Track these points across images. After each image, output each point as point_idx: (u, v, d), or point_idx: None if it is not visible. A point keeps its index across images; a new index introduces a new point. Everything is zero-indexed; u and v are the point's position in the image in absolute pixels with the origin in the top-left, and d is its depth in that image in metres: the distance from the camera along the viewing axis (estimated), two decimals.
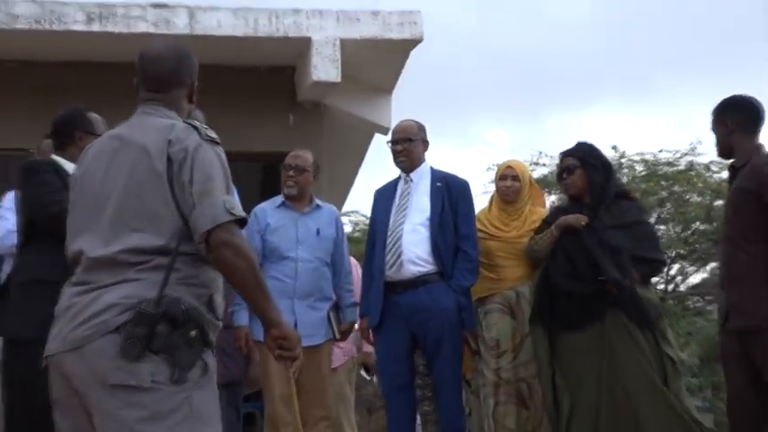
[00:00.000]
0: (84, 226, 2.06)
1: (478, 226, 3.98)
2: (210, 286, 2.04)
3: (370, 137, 6.67)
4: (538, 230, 3.90)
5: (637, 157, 14.12)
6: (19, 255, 3.05)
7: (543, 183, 14.58)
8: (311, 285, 3.80)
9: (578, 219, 3.73)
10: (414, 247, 3.70)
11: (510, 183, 4.11)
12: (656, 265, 3.82)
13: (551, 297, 3.67)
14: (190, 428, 1.89)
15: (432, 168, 3.89)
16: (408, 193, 3.80)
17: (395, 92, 6.06)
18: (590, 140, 3.98)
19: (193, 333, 1.93)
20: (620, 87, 30.47)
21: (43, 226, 2.86)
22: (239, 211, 2.00)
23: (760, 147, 3.21)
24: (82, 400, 1.92)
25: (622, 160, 14.21)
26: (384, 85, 5.97)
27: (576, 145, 3.96)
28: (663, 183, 13.77)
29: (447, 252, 3.70)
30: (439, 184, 3.83)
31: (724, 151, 3.26)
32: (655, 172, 13.92)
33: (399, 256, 3.71)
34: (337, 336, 3.88)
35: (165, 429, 1.87)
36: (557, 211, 4.02)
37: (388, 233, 3.75)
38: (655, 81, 27.63)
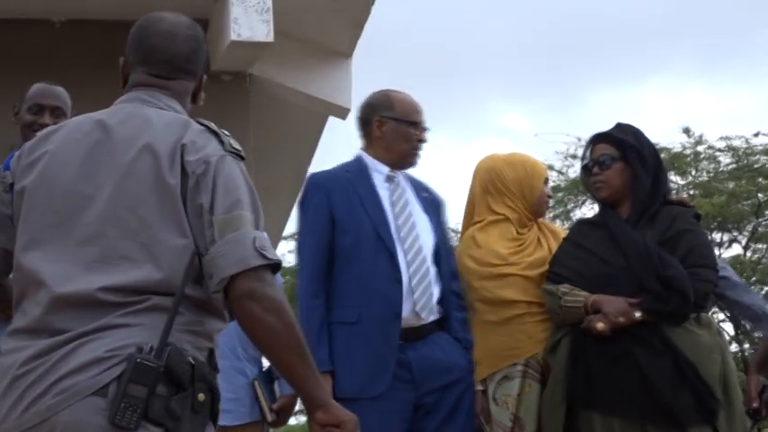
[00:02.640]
0: (43, 235, 2.13)
1: (490, 260, 4.04)
2: (213, 339, 2.17)
3: (322, 122, 6.85)
4: (550, 274, 3.94)
5: (721, 144, 14.40)
6: None
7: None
8: (231, 334, 3.95)
9: (625, 313, 3.74)
10: (437, 282, 3.85)
11: (548, 191, 4.26)
12: (706, 290, 3.86)
13: (588, 371, 3.76)
14: None
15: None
16: (403, 200, 3.90)
17: (356, 58, 6.24)
18: (637, 125, 4.04)
19: (202, 397, 2.04)
20: (691, 49, 31.08)
21: None
22: (273, 253, 2.11)
23: None
24: None
25: (700, 148, 14.51)
26: (339, 47, 6.15)
27: (616, 127, 4.03)
28: (760, 180, 14.06)
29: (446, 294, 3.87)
30: (425, 195, 3.99)
31: None
32: (748, 165, 14.21)
33: (431, 294, 3.81)
34: (268, 417, 4.00)
35: None
36: (580, 230, 4.10)
37: (406, 255, 3.80)
38: (743, 38, 28.19)
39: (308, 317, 3.64)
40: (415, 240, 3.82)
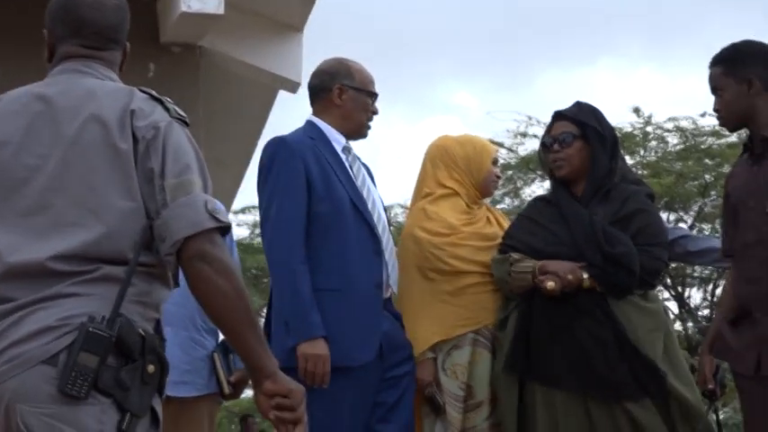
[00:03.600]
0: None
1: (440, 229, 4.11)
2: (159, 309, 2.18)
3: (272, 96, 6.86)
4: (502, 246, 4.03)
5: (669, 125, 14.58)
6: None
7: (534, 162, 14.96)
8: (190, 306, 3.87)
9: (573, 270, 3.84)
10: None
11: (498, 171, 4.37)
12: (656, 268, 3.97)
13: (531, 343, 3.84)
14: None
15: None
16: (362, 172, 3.89)
17: (307, 33, 6.24)
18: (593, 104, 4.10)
19: (152, 368, 2.06)
20: (640, 31, 31.45)
21: None
22: (225, 216, 2.15)
23: None
24: None
25: (648, 128, 14.68)
26: (290, 21, 6.16)
27: (576, 106, 4.09)
28: (707, 161, 14.25)
29: None
30: (366, 166, 4.01)
31: (737, 120, 3.52)
32: (696, 146, 14.40)
33: (395, 267, 3.84)
34: (225, 390, 4.00)
35: None
36: (535, 206, 4.21)
37: (376, 224, 3.79)
38: (693, 20, 28.50)
39: (300, 281, 3.56)
40: (379, 213, 3.84)
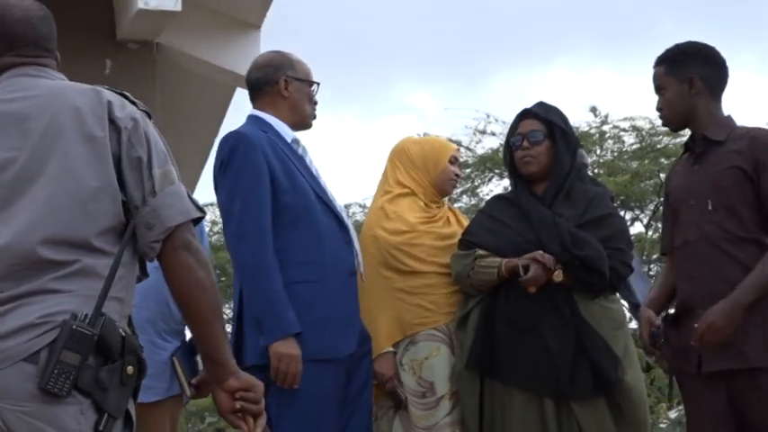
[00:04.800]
0: None
1: (399, 226, 4.15)
2: (131, 305, 2.19)
3: (229, 94, 6.85)
4: (463, 242, 4.07)
5: (626, 124, 14.71)
6: None
7: (492, 160, 15.05)
8: (152, 308, 3.88)
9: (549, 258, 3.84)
10: None
11: (458, 170, 4.39)
12: (625, 273, 4.05)
13: (494, 341, 3.88)
14: None
15: None
16: (314, 164, 3.86)
17: (265, 31, 6.24)
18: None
19: (131, 369, 2.06)
20: (595, 33, 31.78)
21: None
22: (202, 207, 2.21)
23: (731, 117, 3.57)
24: None
25: (605, 128, 14.79)
26: (248, 18, 6.16)
27: (541, 105, 4.14)
28: (663, 161, 14.40)
29: None
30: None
31: (679, 119, 3.59)
32: (651, 145, 14.54)
33: (360, 252, 3.84)
34: (187, 392, 3.97)
35: None
36: (496, 204, 4.24)
37: (341, 213, 3.78)
38: (648, 22, 28.81)
39: (271, 278, 3.51)
40: (340, 205, 3.84)
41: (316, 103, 3.91)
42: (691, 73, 3.52)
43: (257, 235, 3.54)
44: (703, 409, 3.46)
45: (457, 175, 4.38)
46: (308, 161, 3.80)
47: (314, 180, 3.74)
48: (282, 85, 3.82)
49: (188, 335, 4.01)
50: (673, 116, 3.59)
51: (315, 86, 3.89)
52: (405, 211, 4.20)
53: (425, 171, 4.26)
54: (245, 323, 3.59)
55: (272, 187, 3.60)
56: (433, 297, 4.10)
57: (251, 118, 3.84)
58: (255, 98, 3.89)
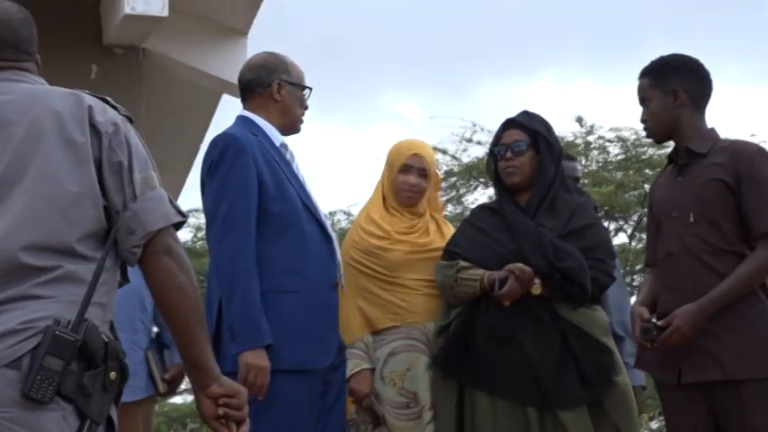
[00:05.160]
0: None
1: (373, 230, 4.15)
2: (113, 311, 2.17)
3: (216, 100, 6.85)
4: (447, 252, 4.05)
5: (611, 135, 14.75)
6: None
7: (478, 169, 15.07)
8: (129, 306, 3.90)
9: (524, 276, 3.83)
10: None
11: (416, 180, 4.16)
12: (607, 283, 4.04)
13: (476, 351, 3.86)
14: None
15: None
16: (300, 171, 3.82)
17: (252, 37, 6.25)
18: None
19: (113, 375, 2.05)
20: (579, 47, 31.96)
21: None
22: (183, 212, 2.20)
23: (714, 129, 3.58)
24: None
25: (590, 138, 14.83)
26: (235, 25, 6.16)
27: (525, 115, 4.11)
28: (648, 172, 14.45)
29: None
30: None
31: (663, 131, 3.61)
32: (636, 156, 14.58)
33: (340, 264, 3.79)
34: (161, 389, 4.03)
35: None
36: (480, 214, 4.22)
37: (326, 223, 3.74)
38: (630, 36, 28.95)
39: (249, 287, 3.45)
40: (324, 214, 3.80)
41: (306, 108, 3.87)
42: (675, 85, 3.54)
43: (240, 240, 3.48)
44: (683, 421, 3.47)
45: (411, 185, 4.17)
46: (294, 167, 3.76)
47: (301, 187, 3.70)
48: (275, 89, 3.76)
49: (155, 329, 3.99)
50: (657, 128, 3.61)
51: (307, 91, 3.86)
52: (384, 216, 4.20)
53: (387, 177, 4.23)
54: (223, 327, 3.55)
55: (259, 193, 3.54)
56: (403, 297, 4.09)
57: (241, 119, 3.79)
58: (247, 99, 3.83)
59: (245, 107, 3.83)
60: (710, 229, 3.42)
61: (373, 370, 4.06)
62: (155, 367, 3.94)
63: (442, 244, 4.15)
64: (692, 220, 3.44)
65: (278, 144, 3.74)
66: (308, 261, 3.59)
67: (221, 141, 3.61)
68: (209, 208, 3.60)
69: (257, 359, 3.39)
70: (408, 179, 4.17)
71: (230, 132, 3.66)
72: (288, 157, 3.75)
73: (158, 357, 3.96)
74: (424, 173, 4.19)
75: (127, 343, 4.01)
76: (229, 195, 3.52)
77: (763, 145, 3.63)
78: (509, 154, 4.03)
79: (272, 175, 3.60)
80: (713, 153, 3.49)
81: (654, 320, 3.50)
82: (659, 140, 3.72)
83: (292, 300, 3.53)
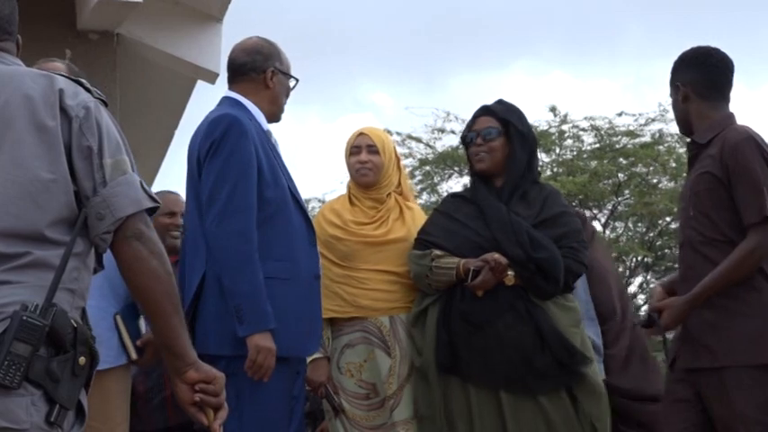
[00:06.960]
0: None
1: (332, 218, 4.18)
2: (85, 297, 2.16)
3: (190, 86, 6.84)
4: (420, 242, 4.06)
5: (585, 124, 14.81)
6: None
7: (452, 158, 15.11)
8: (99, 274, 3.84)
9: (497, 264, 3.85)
10: None
11: (366, 156, 4.19)
12: (579, 271, 4.07)
13: (452, 338, 3.89)
14: None
15: None
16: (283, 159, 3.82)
17: (227, 24, 6.24)
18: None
19: (83, 360, 2.04)
20: (553, 38, 32.06)
21: None
22: (155, 197, 2.17)
23: (730, 117, 3.57)
24: None
25: (564, 127, 14.88)
26: (210, 11, 6.15)
27: (499, 103, 4.15)
28: (621, 161, 14.51)
29: None
30: None
31: (681, 125, 3.67)
32: (610, 145, 14.63)
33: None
34: (132, 354, 3.86)
35: None
36: (452, 202, 4.22)
37: (306, 212, 3.74)
38: (603, 26, 29.09)
39: (256, 270, 3.45)
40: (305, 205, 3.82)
41: (288, 98, 3.87)
42: (676, 81, 3.61)
43: (245, 223, 3.46)
44: (676, 393, 3.54)
45: (361, 162, 4.21)
46: (280, 154, 3.77)
47: (289, 176, 3.71)
48: (269, 75, 3.75)
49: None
50: (678, 123, 3.71)
51: (293, 81, 3.86)
52: (345, 206, 4.23)
53: (345, 160, 4.28)
54: (210, 312, 3.53)
55: (258, 179, 3.54)
56: (356, 287, 4.10)
57: (230, 100, 3.75)
58: (236, 81, 3.77)
59: (233, 88, 3.78)
60: (705, 221, 3.47)
61: (329, 359, 4.07)
62: (125, 332, 3.84)
63: (401, 234, 4.15)
64: (691, 213, 3.50)
65: (265, 130, 3.73)
66: (295, 250, 3.60)
67: (224, 122, 3.57)
68: (210, 189, 3.54)
69: (266, 341, 3.40)
70: (359, 158, 4.21)
71: (232, 114, 3.62)
72: (273, 142, 3.75)
73: (133, 324, 3.87)
74: (373, 149, 4.21)
75: (93, 310, 3.94)
76: (232, 178, 3.49)
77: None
78: (479, 140, 4.07)
79: (267, 161, 3.59)
80: (712, 144, 3.51)
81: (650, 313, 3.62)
82: (684, 134, 3.76)
83: (282, 287, 3.52)
